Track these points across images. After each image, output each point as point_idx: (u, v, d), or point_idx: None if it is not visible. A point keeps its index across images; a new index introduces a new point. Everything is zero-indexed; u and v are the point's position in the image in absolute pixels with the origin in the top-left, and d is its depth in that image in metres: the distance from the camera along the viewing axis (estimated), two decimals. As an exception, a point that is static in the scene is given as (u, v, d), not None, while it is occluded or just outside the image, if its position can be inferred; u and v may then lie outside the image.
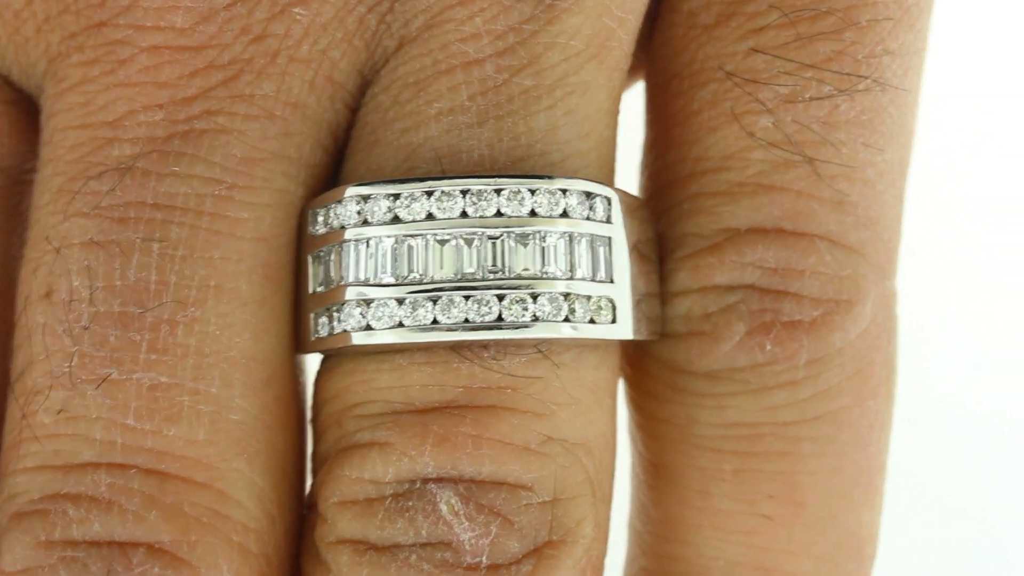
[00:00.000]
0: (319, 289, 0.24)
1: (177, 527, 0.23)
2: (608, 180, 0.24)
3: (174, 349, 0.23)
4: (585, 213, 0.23)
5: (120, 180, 0.23)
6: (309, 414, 0.25)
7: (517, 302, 0.23)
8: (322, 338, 0.24)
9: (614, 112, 0.24)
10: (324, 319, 0.24)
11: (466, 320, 0.23)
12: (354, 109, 0.24)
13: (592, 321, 0.23)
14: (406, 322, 0.23)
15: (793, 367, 0.25)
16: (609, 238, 0.23)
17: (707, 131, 0.25)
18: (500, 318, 0.23)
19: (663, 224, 0.25)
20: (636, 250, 0.24)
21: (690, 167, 0.26)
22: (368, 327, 0.23)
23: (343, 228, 0.23)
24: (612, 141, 0.25)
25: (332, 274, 0.24)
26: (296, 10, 0.23)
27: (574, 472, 0.23)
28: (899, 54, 0.25)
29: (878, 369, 0.26)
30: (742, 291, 0.25)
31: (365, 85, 0.24)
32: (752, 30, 0.25)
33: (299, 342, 0.24)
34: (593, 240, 0.23)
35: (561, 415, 0.23)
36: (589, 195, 0.23)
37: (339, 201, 0.24)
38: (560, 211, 0.23)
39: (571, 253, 0.23)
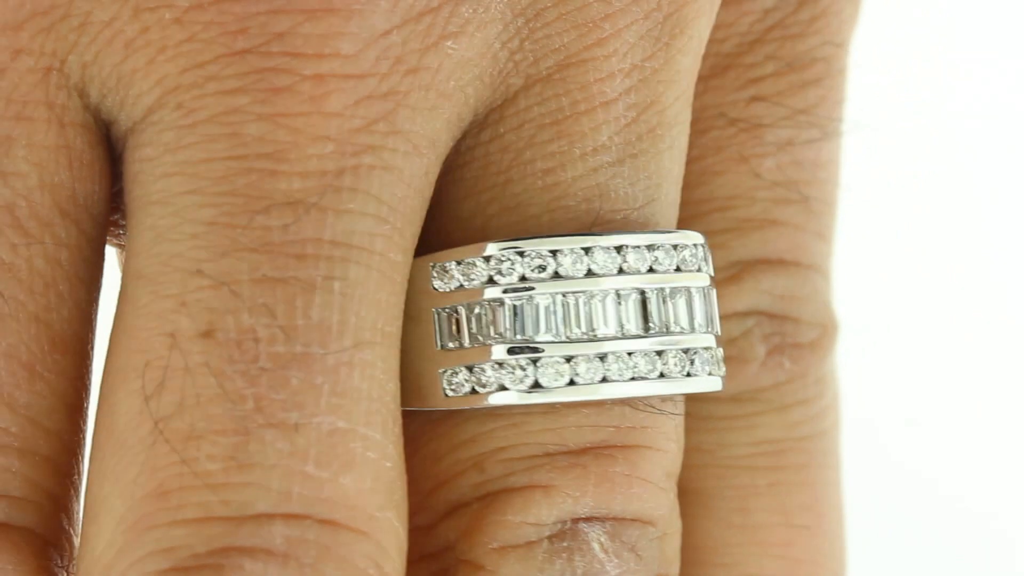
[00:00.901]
0: (451, 345, 0.23)
1: None
2: None
3: (351, 393, 0.22)
4: (706, 268, 0.24)
5: (294, 215, 0.22)
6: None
7: (674, 358, 0.24)
8: (463, 396, 0.23)
9: None
10: (463, 376, 0.23)
11: (633, 378, 0.23)
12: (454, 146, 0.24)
13: (711, 373, 0.25)
14: (578, 380, 0.23)
15: (805, 385, 0.28)
16: (714, 289, 0.25)
17: (711, 174, 0.28)
18: (661, 375, 0.24)
19: None
20: None
21: (693, 208, 0.28)
22: (537, 385, 0.23)
23: (493, 283, 0.23)
24: None
25: (476, 330, 0.23)
26: (448, 44, 0.23)
27: (676, 506, 0.25)
28: (848, 99, 0.29)
29: (838, 390, 0.30)
30: (755, 317, 0.28)
31: (474, 123, 0.24)
32: (752, 79, 0.28)
33: (413, 396, 0.24)
34: (708, 291, 0.25)
35: (674, 450, 0.25)
36: (704, 246, 0.25)
37: (485, 256, 0.23)
38: (696, 266, 0.24)
39: (705, 307, 0.24)
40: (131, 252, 0.23)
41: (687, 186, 0.27)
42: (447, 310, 0.23)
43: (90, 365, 0.24)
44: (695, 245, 0.24)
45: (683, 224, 0.28)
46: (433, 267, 0.23)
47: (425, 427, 0.24)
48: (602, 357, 0.23)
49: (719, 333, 0.25)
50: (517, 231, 0.24)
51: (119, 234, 0.25)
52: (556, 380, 0.23)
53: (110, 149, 0.23)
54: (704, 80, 0.28)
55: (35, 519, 0.23)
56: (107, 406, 0.23)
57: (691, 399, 0.27)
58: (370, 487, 0.22)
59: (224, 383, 0.21)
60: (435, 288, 0.23)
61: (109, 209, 0.24)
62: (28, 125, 0.23)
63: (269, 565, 0.21)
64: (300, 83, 0.22)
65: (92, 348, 0.24)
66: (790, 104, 0.28)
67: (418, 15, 0.22)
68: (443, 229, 0.24)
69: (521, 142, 0.24)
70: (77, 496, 0.24)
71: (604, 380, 0.23)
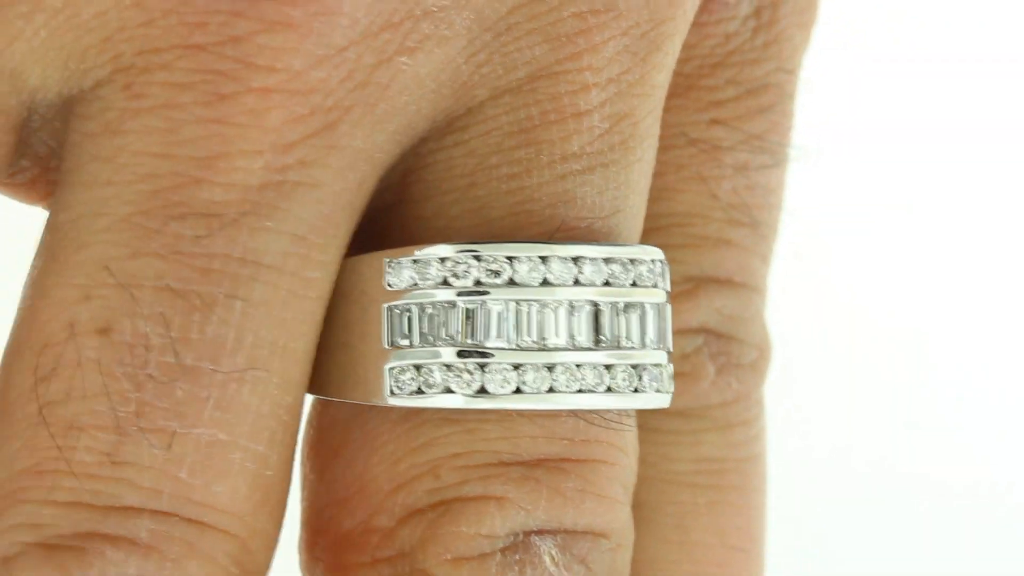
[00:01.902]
0: (401, 342, 0.23)
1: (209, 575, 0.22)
2: None
3: (237, 408, 0.22)
4: (663, 284, 0.24)
5: (207, 227, 0.22)
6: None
7: (623, 372, 0.24)
8: (409, 395, 0.23)
9: None
10: (410, 376, 0.23)
11: (580, 390, 0.23)
12: (403, 150, 0.24)
13: (659, 390, 0.25)
14: (524, 389, 0.23)
15: (748, 406, 0.29)
16: (669, 305, 0.25)
17: (672, 191, 0.28)
18: (609, 389, 0.23)
19: None
20: None
21: (652, 222, 0.28)
22: (483, 390, 0.23)
23: (447, 284, 0.23)
24: None
25: (427, 330, 0.23)
26: (402, 59, 0.23)
27: (631, 518, 0.25)
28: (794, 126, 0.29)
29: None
30: (703, 334, 0.28)
31: (434, 130, 0.24)
32: (712, 102, 0.28)
33: (351, 390, 0.24)
34: (663, 307, 0.24)
35: (629, 463, 0.25)
36: (663, 262, 0.24)
37: (442, 257, 0.23)
38: (652, 282, 0.24)
39: (658, 324, 0.24)
40: (50, 227, 0.23)
41: (648, 200, 0.28)
42: (399, 307, 0.23)
43: None
44: (653, 261, 0.24)
45: (642, 237, 0.28)
46: (388, 263, 0.23)
47: (382, 427, 0.24)
48: (550, 367, 0.23)
49: (671, 350, 0.25)
50: (480, 233, 0.24)
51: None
52: (503, 387, 0.23)
53: (22, 131, 0.23)
54: (668, 99, 0.28)
55: None
56: (4, 373, 0.23)
57: (640, 411, 0.27)
58: (245, 494, 0.22)
59: (110, 383, 0.22)
60: (388, 285, 0.23)
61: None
62: None
63: (132, 555, 0.22)
64: (245, 94, 0.22)
65: None
66: (746, 129, 0.28)
67: (377, 31, 0.22)
68: (403, 227, 0.24)
69: (487, 148, 0.24)
70: None
71: (551, 390, 0.23)
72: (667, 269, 0.24)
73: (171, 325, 0.22)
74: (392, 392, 0.23)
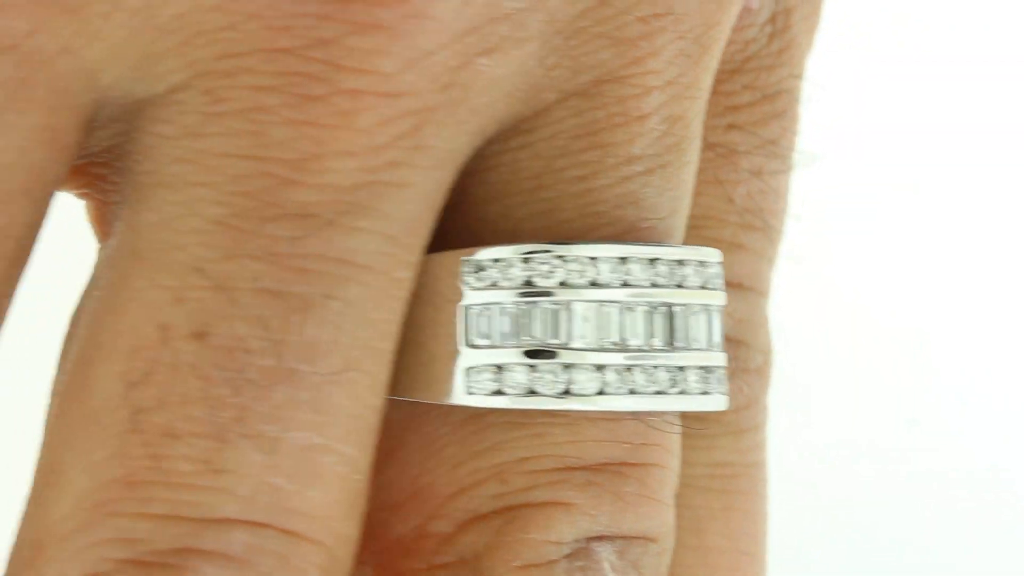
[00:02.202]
0: (479, 342, 0.23)
1: None
2: None
3: (332, 410, 0.22)
4: (723, 286, 0.25)
5: (302, 228, 0.22)
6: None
7: (694, 374, 0.24)
8: (484, 395, 0.23)
9: None
10: (488, 376, 0.23)
11: (657, 392, 0.23)
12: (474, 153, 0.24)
13: (722, 392, 0.25)
14: (607, 390, 0.23)
15: (756, 412, 0.29)
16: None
17: None
18: (682, 391, 0.24)
19: None
20: None
21: None
22: (567, 391, 0.23)
23: (530, 284, 0.23)
24: None
25: (508, 330, 0.23)
26: (482, 61, 0.23)
27: (674, 521, 0.25)
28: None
29: None
30: None
31: (501, 132, 0.24)
32: (730, 107, 0.28)
33: (422, 389, 0.24)
34: (722, 311, 0.25)
35: (676, 467, 0.25)
36: (722, 265, 0.25)
37: (525, 257, 0.23)
38: (717, 284, 0.24)
39: (720, 325, 0.24)
40: (130, 227, 0.22)
41: None
42: (478, 307, 0.23)
43: None
44: (718, 263, 0.24)
45: None
46: (466, 263, 0.23)
47: (441, 430, 0.24)
48: (630, 368, 0.23)
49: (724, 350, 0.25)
50: (550, 235, 0.24)
51: (104, 189, 0.24)
52: (587, 388, 0.23)
53: (89, 127, 0.23)
54: None
55: None
56: (82, 377, 0.22)
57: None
58: (335, 499, 0.22)
59: (209, 388, 0.21)
60: (467, 284, 0.23)
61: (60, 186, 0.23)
62: (21, 104, 0.21)
63: (226, 570, 0.21)
64: (335, 96, 0.22)
65: (2, 323, 0.23)
66: (761, 134, 0.28)
67: (462, 34, 0.22)
68: (466, 228, 0.24)
69: (554, 150, 0.24)
70: None
71: (631, 392, 0.23)
72: (723, 271, 0.25)
73: (270, 327, 0.21)
74: (470, 392, 0.23)
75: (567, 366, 0.23)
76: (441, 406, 0.24)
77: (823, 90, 0.31)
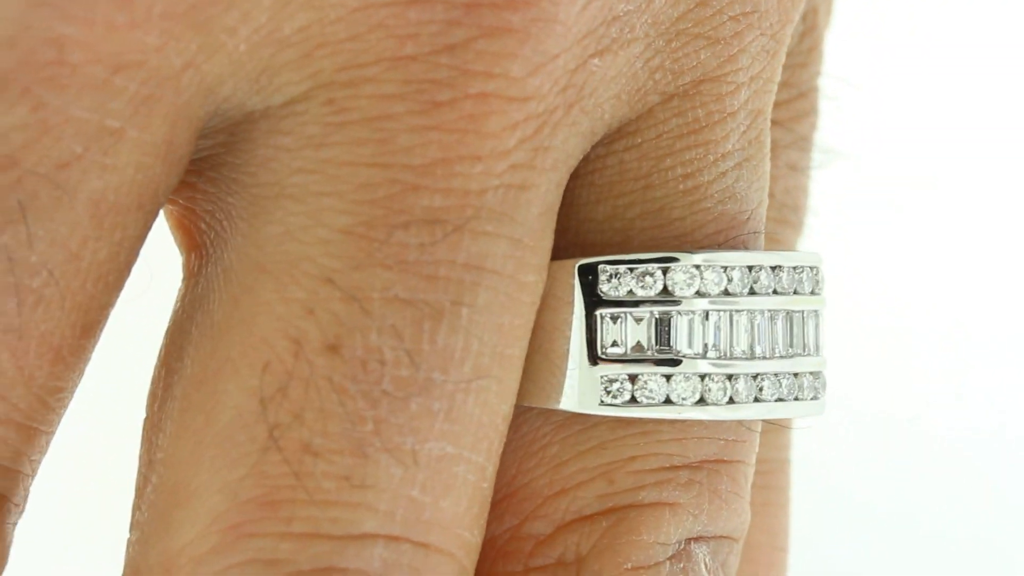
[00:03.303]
0: (612, 351, 0.23)
1: None
2: None
3: (464, 419, 0.22)
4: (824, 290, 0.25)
5: (431, 234, 0.21)
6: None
7: (808, 380, 0.24)
8: (626, 404, 0.23)
9: None
10: (621, 385, 0.23)
11: (779, 399, 0.24)
12: None
13: (821, 397, 0.25)
14: (736, 399, 0.23)
15: None
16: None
17: None
18: (797, 397, 0.24)
19: None
20: None
21: None
22: (702, 400, 0.23)
23: (667, 293, 0.23)
24: None
25: (643, 340, 0.23)
26: (595, 62, 0.23)
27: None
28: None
29: None
30: None
31: (606, 135, 0.24)
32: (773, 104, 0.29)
33: (553, 399, 0.23)
34: (823, 314, 0.25)
35: (754, 464, 0.25)
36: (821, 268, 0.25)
37: (664, 265, 0.23)
38: (823, 288, 0.25)
39: (824, 329, 0.25)
40: (254, 241, 0.22)
41: None
42: (611, 315, 0.23)
43: (94, 348, 0.23)
44: (820, 268, 0.25)
45: None
46: (601, 270, 0.23)
47: (545, 428, 0.24)
48: (756, 376, 0.23)
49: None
50: (662, 235, 0.24)
51: (193, 197, 0.23)
52: (720, 397, 0.23)
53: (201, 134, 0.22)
54: None
55: (9, 485, 0.22)
56: (211, 392, 0.22)
57: None
58: (465, 508, 0.22)
59: (346, 402, 0.21)
60: (601, 292, 0.23)
61: None
62: (144, 120, 0.21)
63: None
64: (463, 100, 0.21)
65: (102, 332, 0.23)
66: (797, 130, 0.29)
67: (581, 37, 0.22)
68: (573, 230, 0.24)
69: (660, 151, 0.24)
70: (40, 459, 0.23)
71: (756, 400, 0.23)
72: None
73: (403, 337, 0.21)
74: (603, 402, 0.23)
75: (702, 376, 0.23)
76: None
77: (851, 87, 0.31)
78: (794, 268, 0.24)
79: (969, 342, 0.51)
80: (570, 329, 0.23)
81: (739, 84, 0.24)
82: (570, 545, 0.23)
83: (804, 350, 0.24)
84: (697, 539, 0.24)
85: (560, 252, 0.24)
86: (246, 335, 0.21)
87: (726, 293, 0.23)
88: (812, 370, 0.24)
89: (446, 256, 0.21)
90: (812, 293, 0.24)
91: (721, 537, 0.24)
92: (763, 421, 0.26)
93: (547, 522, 0.23)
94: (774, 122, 0.28)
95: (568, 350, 0.23)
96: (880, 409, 0.47)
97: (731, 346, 0.23)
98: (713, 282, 0.23)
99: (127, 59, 0.20)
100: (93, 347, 0.22)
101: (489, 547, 0.24)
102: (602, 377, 0.23)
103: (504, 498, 0.24)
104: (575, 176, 0.24)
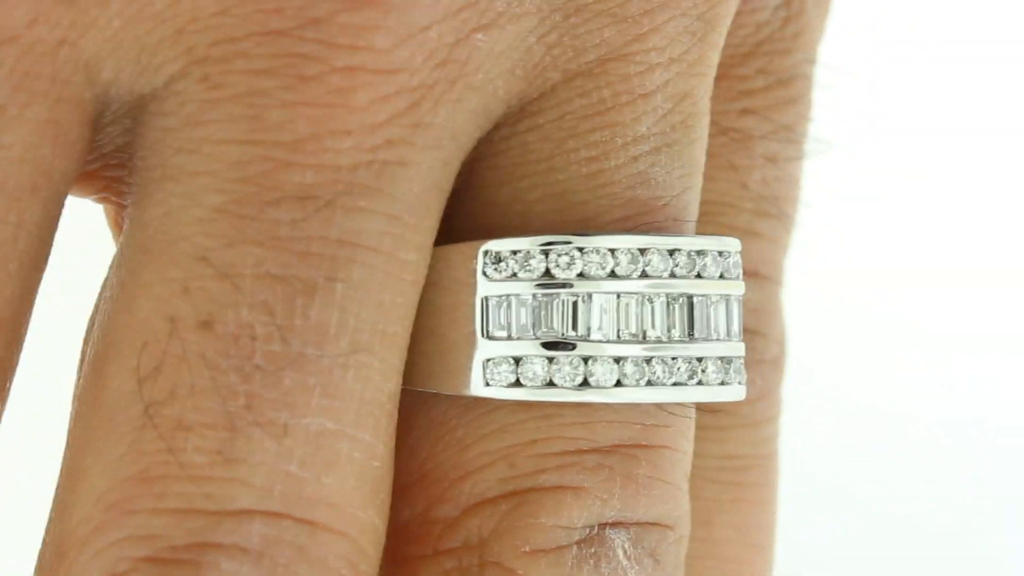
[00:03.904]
0: (497, 333, 0.23)
1: None
2: None
3: (343, 395, 0.22)
4: (740, 275, 0.25)
5: (302, 210, 0.21)
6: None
7: (712, 365, 0.24)
8: (509, 386, 0.23)
9: None
10: (507, 367, 0.23)
11: (676, 383, 0.23)
12: (481, 137, 0.24)
13: (740, 383, 0.25)
14: (625, 381, 0.23)
15: (771, 403, 0.29)
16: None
17: (703, 180, 0.28)
18: (700, 382, 0.23)
19: None
20: None
21: None
22: (585, 383, 0.23)
23: (549, 275, 0.23)
24: None
25: (526, 321, 0.23)
26: (478, 36, 0.22)
27: (689, 508, 0.25)
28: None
29: None
30: None
31: (507, 114, 0.24)
32: (744, 91, 0.28)
33: (439, 381, 0.23)
34: (740, 300, 0.25)
35: (689, 451, 0.25)
36: (739, 253, 0.25)
37: (544, 249, 0.23)
38: (736, 274, 0.24)
39: (739, 314, 0.24)
40: (139, 223, 0.22)
41: None
42: (496, 298, 0.23)
43: (20, 345, 0.23)
44: (737, 252, 0.24)
45: None
46: (486, 254, 0.23)
47: (450, 412, 0.24)
48: (648, 360, 0.23)
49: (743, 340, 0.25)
50: (563, 219, 0.24)
51: (121, 191, 0.24)
52: (605, 380, 0.23)
53: (96, 126, 0.22)
54: None
55: None
56: (97, 376, 0.22)
57: None
58: (353, 486, 0.22)
59: (218, 377, 0.21)
60: (485, 275, 0.23)
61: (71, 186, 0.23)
62: (24, 97, 0.21)
63: (244, 564, 0.21)
64: (329, 74, 0.21)
65: (26, 328, 0.23)
66: (776, 119, 0.28)
67: (457, 10, 0.22)
68: (478, 214, 0.24)
69: (563, 132, 0.24)
70: None
71: (649, 383, 0.23)
72: (740, 260, 0.24)
73: (275, 312, 0.21)
74: (487, 383, 0.23)
75: (586, 358, 0.23)
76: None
77: (846, 76, 0.30)
78: (697, 252, 0.24)
79: (962, 335, 0.50)
80: (460, 313, 0.23)
81: (652, 65, 0.24)
82: (473, 528, 0.23)
83: (711, 335, 0.23)
84: (614, 525, 0.23)
85: (464, 235, 0.24)
86: (128, 317, 0.22)
87: (613, 275, 0.23)
88: (721, 355, 0.24)
89: (318, 232, 0.21)
90: (722, 277, 0.24)
91: (646, 524, 0.23)
92: (725, 414, 0.26)
93: (453, 506, 0.23)
94: (747, 110, 0.28)
95: (460, 333, 0.23)
96: (872, 402, 0.46)
97: (619, 329, 0.23)
98: (598, 264, 0.23)
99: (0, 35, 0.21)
100: (13, 344, 0.22)
101: (403, 531, 0.24)
102: (487, 360, 0.23)
103: (416, 482, 0.24)
104: (480, 158, 0.24)
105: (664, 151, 0.24)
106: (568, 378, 0.23)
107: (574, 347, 0.23)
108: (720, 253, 0.24)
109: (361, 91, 0.21)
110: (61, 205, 0.22)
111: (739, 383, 0.24)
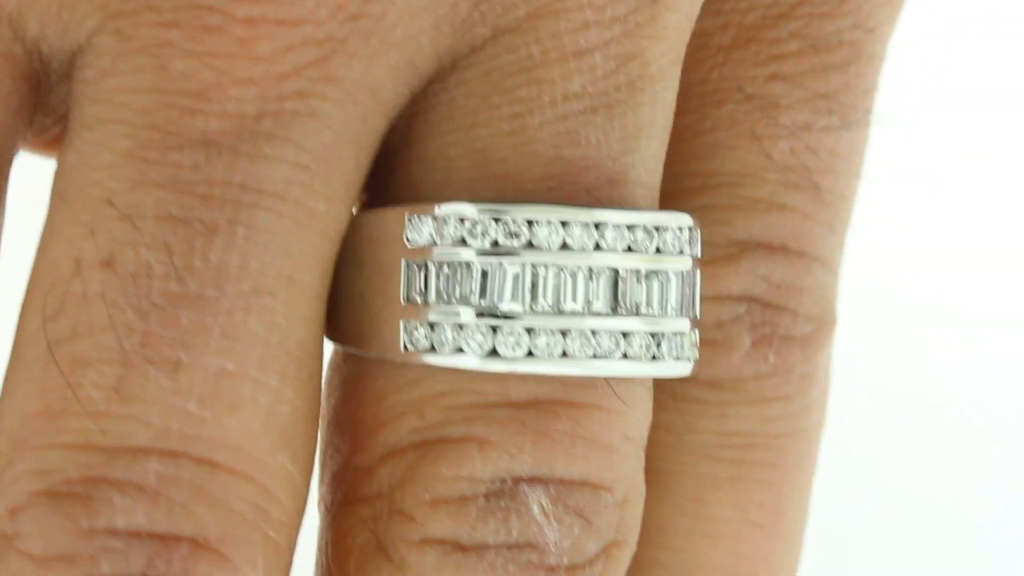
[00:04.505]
0: (417, 298, 0.23)
1: (223, 523, 0.22)
2: None
3: (245, 337, 0.22)
4: (689, 250, 0.24)
5: (206, 155, 0.22)
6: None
7: (640, 340, 0.23)
8: (420, 351, 0.23)
9: None
10: (423, 332, 0.23)
11: (594, 355, 0.23)
12: (413, 92, 0.24)
13: (683, 358, 0.24)
14: (536, 352, 0.23)
15: (788, 381, 0.27)
16: (697, 272, 0.24)
17: (724, 148, 0.27)
18: (625, 355, 0.23)
19: None
20: None
21: (701, 181, 0.27)
22: (494, 352, 0.23)
23: (466, 244, 0.23)
24: None
25: (443, 288, 0.23)
26: None
27: (639, 471, 0.24)
28: (880, 89, 0.28)
29: (826, 391, 0.29)
30: (748, 303, 0.27)
31: (440, 70, 0.24)
32: (773, 56, 0.27)
33: (369, 342, 0.24)
34: (688, 275, 0.24)
35: (635, 413, 0.24)
36: (692, 229, 0.24)
37: (461, 216, 0.23)
38: (679, 249, 0.24)
39: (681, 291, 0.24)
40: (57, 171, 0.23)
41: (698, 157, 0.27)
42: (416, 264, 0.23)
43: None
44: (680, 228, 0.24)
45: (690, 195, 0.27)
46: (409, 219, 0.23)
47: (374, 366, 0.24)
48: (564, 332, 0.23)
49: (698, 316, 0.24)
50: (483, 175, 0.24)
51: None
52: (514, 350, 0.23)
53: (36, 83, 0.24)
54: (725, 51, 0.27)
55: None
56: (18, 320, 0.23)
57: (663, 379, 0.27)
58: (258, 430, 0.22)
59: (115, 315, 0.22)
60: (407, 240, 0.23)
61: (16, 145, 0.24)
62: None
63: (139, 502, 0.21)
64: (231, 24, 0.22)
65: None
66: (810, 87, 0.27)
67: None
68: (405, 169, 0.24)
69: (488, 87, 0.23)
70: None
71: (564, 355, 0.23)
72: (697, 236, 0.24)
73: (174, 252, 0.22)
74: (405, 348, 0.23)
75: (495, 328, 0.23)
76: None
77: (914, 51, 0.29)
78: (627, 226, 0.23)
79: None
80: (384, 276, 0.24)
81: (588, 22, 0.23)
82: (385, 478, 0.24)
83: (640, 310, 0.23)
84: (531, 480, 0.23)
85: (400, 192, 0.24)
86: (41, 260, 0.23)
87: (530, 246, 0.23)
88: (651, 330, 0.23)
89: (221, 176, 0.22)
90: (658, 251, 0.23)
91: (571, 482, 0.23)
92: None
93: (369, 455, 0.24)
94: (775, 76, 0.27)
95: (384, 297, 0.24)
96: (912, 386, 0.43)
97: (534, 299, 0.23)
98: (511, 233, 0.23)
99: None
100: None
101: (333, 479, 0.25)
102: (405, 323, 0.23)
103: (345, 432, 0.24)
104: (414, 113, 0.24)
105: (602, 112, 0.23)
106: (478, 346, 0.23)
107: (484, 316, 0.23)
108: (657, 228, 0.23)
109: (263, 41, 0.22)
110: (6, 159, 0.24)
111: (677, 358, 0.24)
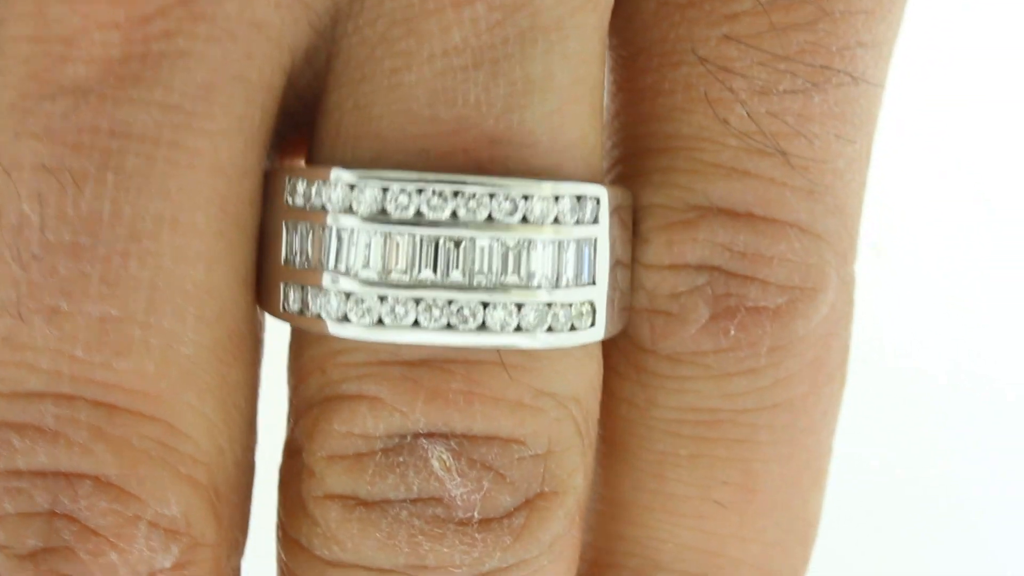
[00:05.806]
0: (294, 260, 0.23)
1: (125, 460, 0.22)
2: (601, 125, 0.25)
3: (126, 282, 0.22)
4: (575, 217, 0.23)
5: (74, 103, 0.22)
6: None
7: (502, 310, 0.23)
8: (293, 313, 0.23)
9: (604, 55, 0.24)
10: (296, 294, 0.23)
11: (448, 325, 0.23)
12: (320, 32, 0.23)
13: (573, 328, 0.23)
14: (387, 320, 0.23)
15: (755, 354, 0.25)
16: (595, 239, 0.23)
17: (680, 111, 0.25)
18: (483, 326, 0.23)
19: (631, 189, 0.26)
20: (616, 214, 0.24)
21: (661, 142, 0.26)
22: (346, 318, 0.23)
23: (325, 210, 0.23)
24: (603, 84, 0.25)
25: (309, 252, 0.23)
26: None
27: (566, 424, 0.24)
28: (871, 46, 0.25)
29: (835, 355, 0.26)
30: (708, 273, 0.25)
31: (336, 10, 0.23)
32: (726, 16, 0.25)
33: (265, 300, 0.24)
34: (580, 244, 0.23)
35: (552, 368, 0.23)
36: (580, 198, 0.23)
37: (324, 180, 0.23)
38: (552, 218, 0.23)
39: (558, 260, 0.23)
40: None
41: (658, 118, 0.26)
42: (293, 226, 0.23)
43: None
44: (556, 197, 0.23)
45: (652, 156, 0.26)
46: (288, 181, 0.23)
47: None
48: (417, 301, 0.23)
49: (596, 282, 0.24)
50: (363, 133, 0.23)
51: None
52: (365, 317, 0.23)
53: None
54: (681, 9, 0.25)
55: None
56: None
57: (628, 343, 0.26)
58: (155, 372, 0.22)
59: (2, 268, 0.22)
60: (286, 202, 0.23)
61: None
62: None
63: (38, 442, 0.22)
64: None
65: None
66: (767, 48, 0.25)
67: None
68: (315, 123, 0.24)
69: (375, 37, 0.23)
70: None
71: (416, 324, 0.23)
72: (581, 206, 0.23)
73: (48, 203, 0.22)
74: (283, 308, 0.24)
75: (348, 294, 0.23)
76: None
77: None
78: (489, 195, 0.23)
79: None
80: (273, 238, 0.24)
81: None
82: (300, 433, 0.24)
83: (505, 282, 0.23)
84: (430, 435, 0.23)
85: (304, 146, 0.24)
86: None
87: (383, 213, 0.23)
88: (515, 301, 0.23)
89: (89, 123, 0.22)
90: (524, 221, 0.23)
91: (474, 437, 0.23)
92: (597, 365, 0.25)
93: (293, 410, 0.24)
94: (728, 37, 0.25)
95: (272, 258, 0.24)
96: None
97: (390, 267, 0.23)
98: (371, 200, 0.23)
99: None
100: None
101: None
102: (283, 284, 0.24)
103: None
104: (329, 58, 0.24)
105: (486, 67, 0.23)
106: (333, 311, 0.23)
107: (337, 281, 0.23)
108: (525, 197, 0.23)
109: None
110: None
111: (550, 329, 0.23)
